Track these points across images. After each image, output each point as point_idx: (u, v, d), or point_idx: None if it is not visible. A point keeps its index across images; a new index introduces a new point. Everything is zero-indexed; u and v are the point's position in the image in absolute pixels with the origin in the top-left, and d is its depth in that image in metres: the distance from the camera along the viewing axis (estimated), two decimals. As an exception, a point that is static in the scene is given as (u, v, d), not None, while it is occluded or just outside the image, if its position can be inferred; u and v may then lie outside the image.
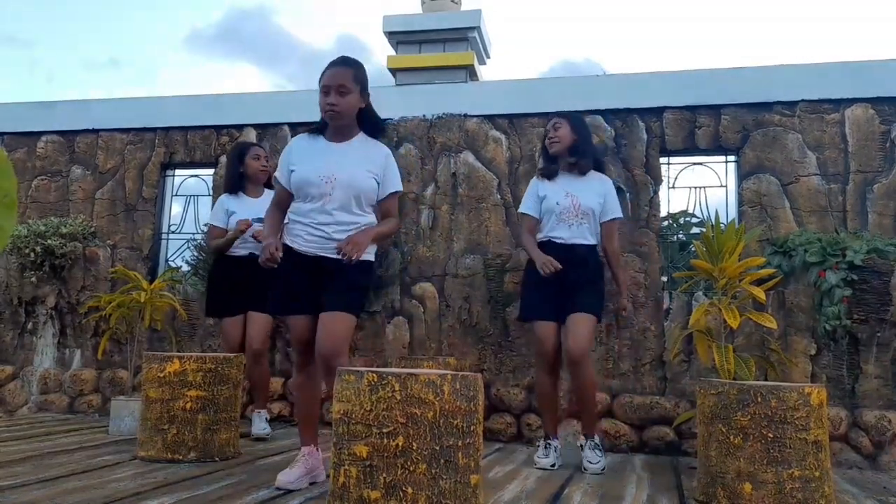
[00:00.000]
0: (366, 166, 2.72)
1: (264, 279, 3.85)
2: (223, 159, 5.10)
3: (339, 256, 2.56)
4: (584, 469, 3.24)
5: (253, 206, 3.94)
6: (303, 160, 2.74)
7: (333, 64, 2.73)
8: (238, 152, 4.09)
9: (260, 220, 3.82)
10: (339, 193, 2.67)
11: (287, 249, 2.69)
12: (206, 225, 4.42)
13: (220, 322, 4.12)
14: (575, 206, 3.39)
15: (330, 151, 2.75)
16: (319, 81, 2.72)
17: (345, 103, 2.69)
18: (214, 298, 4.02)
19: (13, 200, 0.79)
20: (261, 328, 3.91)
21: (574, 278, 3.33)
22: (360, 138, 2.79)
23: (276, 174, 2.82)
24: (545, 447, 3.37)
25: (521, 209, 3.56)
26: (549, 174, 3.49)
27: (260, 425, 3.92)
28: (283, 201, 2.80)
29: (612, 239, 3.53)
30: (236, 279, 3.91)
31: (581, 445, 3.36)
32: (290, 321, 2.79)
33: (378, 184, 2.74)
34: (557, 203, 3.39)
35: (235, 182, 4.05)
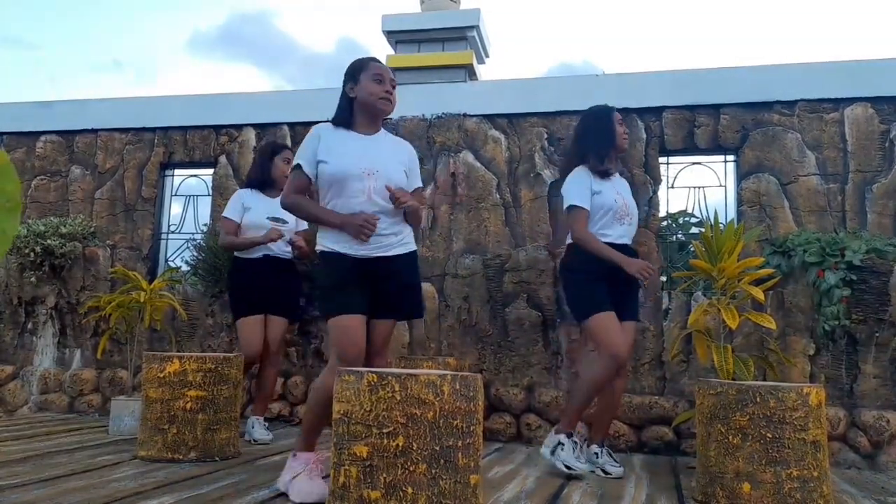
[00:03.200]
0: (398, 159, 2.69)
1: (281, 283, 3.89)
2: (223, 159, 5.10)
3: (398, 206, 2.54)
4: (608, 473, 3.16)
5: (270, 204, 3.86)
6: (334, 153, 2.62)
7: (378, 61, 2.73)
8: (270, 151, 4.02)
9: (275, 219, 3.82)
10: (381, 187, 2.60)
11: (337, 256, 2.59)
12: (219, 219, 4.03)
13: (234, 322, 3.99)
14: (624, 207, 3.32)
15: (365, 144, 2.67)
16: (364, 70, 2.67)
17: (395, 97, 2.71)
18: (240, 299, 3.91)
19: (17, 204, 0.79)
20: (280, 332, 3.92)
21: (623, 279, 3.24)
22: (384, 132, 2.76)
23: (300, 161, 2.63)
24: (606, 455, 3.22)
25: (577, 202, 3.25)
26: (607, 174, 3.33)
27: (262, 431, 3.85)
28: (304, 191, 2.67)
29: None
30: (256, 281, 3.86)
31: (597, 453, 3.25)
32: (344, 322, 2.55)
33: (406, 178, 2.69)
34: (615, 201, 3.28)
35: (259, 180, 3.97)
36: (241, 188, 4.15)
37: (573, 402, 3.22)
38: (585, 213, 3.24)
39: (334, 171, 2.59)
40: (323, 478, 2.53)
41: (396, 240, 2.63)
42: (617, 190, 3.33)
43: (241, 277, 3.92)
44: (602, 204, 3.25)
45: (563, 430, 3.18)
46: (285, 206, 2.71)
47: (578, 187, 3.27)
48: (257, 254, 3.87)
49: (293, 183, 2.67)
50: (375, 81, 2.66)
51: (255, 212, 3.88)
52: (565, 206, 3.31)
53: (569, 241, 3.34)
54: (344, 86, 2.73)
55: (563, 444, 3.14)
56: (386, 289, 2.62)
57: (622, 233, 3.29)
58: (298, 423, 4.42)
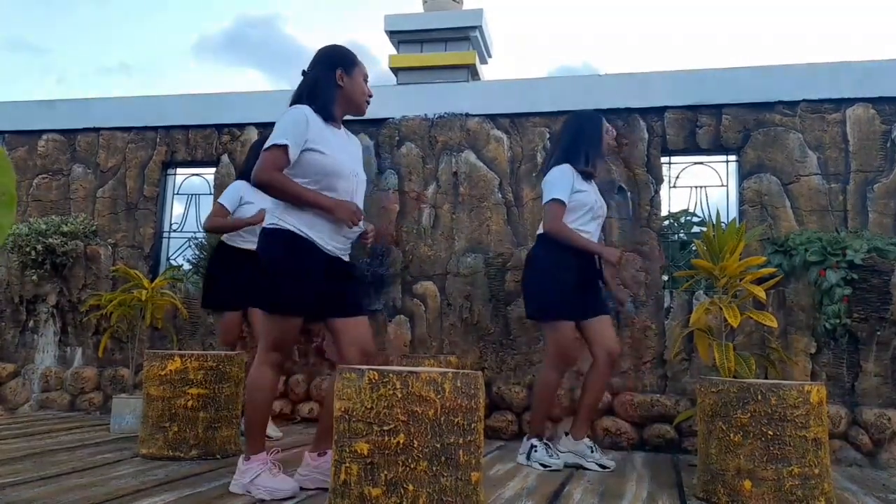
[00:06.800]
0: (360, 159, 2.72)
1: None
2: (225, 158, 5.10)
3: (367, 241, 2.69)
4: (606, 467, 3.26)
5: (268, 202, 3.87)
6: (328, 144, 2.49)
7: None
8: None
9: None
10: (360, 192, 2.61)
11: (310, 246, 2.46)
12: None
13: (219, 316, 4.02)
14: (602, 209, 3.46)
15: (343, 142, 2.60)
16: (357, 65, 2.61)
17: None
18: (215, 290, 3.87)
19: (12, 197, 0.79)
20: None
21: (593, 277, 3.40)
22: (343, 128, 2.69)
23: (287, 141, 2.39)
24: (547, 447, 3.31)
25: (559, 195, 3.28)
26: (590, 176, 3.43)
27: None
28: (281, 171, 2.44)
29: None
30: (240, 272, 3.77)
31: (592, 447, 3.33)
32: (292, 323, 2.51)
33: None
34: (596, 201, 3.39)
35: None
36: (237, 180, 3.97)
37: (535, 409, 3.43)
38: (564, 209, 3.32)
39: (332, 165, 2.47)
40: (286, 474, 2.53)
41: (348, 248, 2.64)
42: (596, 191, 3.47)
43: (221, 265, 3.88)
44: (584, 202, 3.35)
45: (532, 435, 3.36)
46: (264, 183, 2.41)
47: (562, 183, 3.33)
48: (251, 245, 3.73)
49: (273, 161, 2.39)
50: (364, 81, 2.65)
51: (257, 206, 3.79)
52: (546, 198, 3.35)
53: (539, 232, 3.43)
54: (331, 70, 2.57)
55: (535, 447, 3.31)
56: (343, 288, 2.57)
57: (594, 230, 3.42)
58: (300, 421, 4.42)
